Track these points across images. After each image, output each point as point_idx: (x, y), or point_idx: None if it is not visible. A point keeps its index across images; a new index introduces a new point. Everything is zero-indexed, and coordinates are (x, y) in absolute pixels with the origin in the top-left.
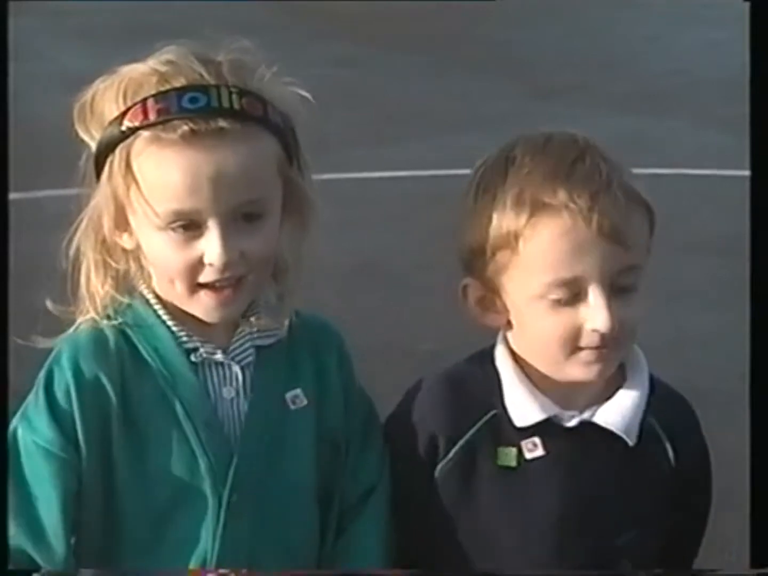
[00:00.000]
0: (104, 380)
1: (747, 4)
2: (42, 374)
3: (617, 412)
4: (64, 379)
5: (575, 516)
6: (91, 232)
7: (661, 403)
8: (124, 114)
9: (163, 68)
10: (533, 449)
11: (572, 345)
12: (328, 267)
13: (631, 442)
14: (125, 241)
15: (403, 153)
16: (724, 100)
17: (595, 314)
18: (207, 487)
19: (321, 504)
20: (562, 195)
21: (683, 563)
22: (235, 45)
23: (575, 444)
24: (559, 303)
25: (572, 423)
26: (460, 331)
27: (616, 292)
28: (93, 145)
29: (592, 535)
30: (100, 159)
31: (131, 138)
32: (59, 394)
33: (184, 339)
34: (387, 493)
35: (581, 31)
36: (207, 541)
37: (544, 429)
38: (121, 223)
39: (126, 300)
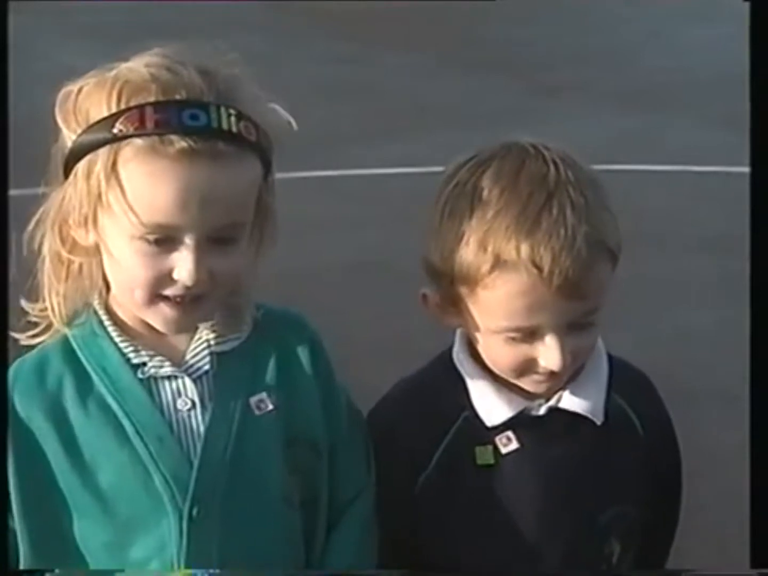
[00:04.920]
0: (39, 413)
1: (747, 4)
2: None
3: (581, 394)
4: None
5: (558, 500)
6: (56, 225)
7: (623, 379)
8: (116, 117)
9: (163, 76)
10: (508, 443)
11: (524, 371)
12: (330, 265)
13: (598, 422)
14: (82, 237)
15: (403, 150)
16: (725, 97)
17: (548, 354)
18: (166, 503)
19: (306, 510)
20: (524, 253)
21: (664, 540)
22: (226, 52)
23: (547, 431)
24: (515, 340)
25: (541, 411)
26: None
27: (572, 331)
28: (70, 138)
29: (577, 516)
30: (79, 155)
31: (122, 143)
32: None
33: (131, 355)
34: (372, 497)
35: (581, 28)
36: (172, 557)
37: (516, 421)
38: (89, 220)
39: (81, 308)
